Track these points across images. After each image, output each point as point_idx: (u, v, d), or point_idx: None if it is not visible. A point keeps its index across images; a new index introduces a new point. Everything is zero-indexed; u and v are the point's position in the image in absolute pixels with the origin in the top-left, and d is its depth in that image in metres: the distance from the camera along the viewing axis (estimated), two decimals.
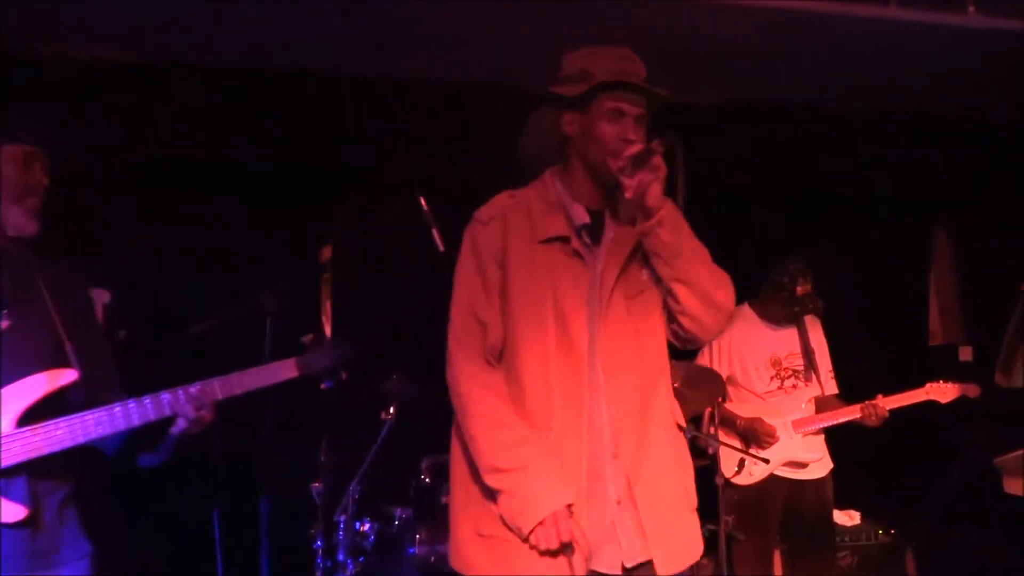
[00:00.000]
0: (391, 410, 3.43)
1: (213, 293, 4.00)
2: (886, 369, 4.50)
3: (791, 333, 3.89)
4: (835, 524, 4.01)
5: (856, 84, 4.35)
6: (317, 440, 3.45)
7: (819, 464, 3.83)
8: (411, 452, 3.58)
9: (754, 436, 3.78)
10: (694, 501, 2.15)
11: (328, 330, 3.62)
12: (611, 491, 2.02)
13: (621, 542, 2.01)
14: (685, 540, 2.09)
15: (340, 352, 2.47)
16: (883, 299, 5.12)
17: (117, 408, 2.15)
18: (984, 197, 4.88)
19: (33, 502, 2.11)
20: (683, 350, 2.18)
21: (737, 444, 3.79)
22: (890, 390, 3.81)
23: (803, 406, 3.83)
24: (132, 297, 3.61)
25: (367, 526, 3.45)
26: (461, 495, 2.07)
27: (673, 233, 2.01)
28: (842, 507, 4.12)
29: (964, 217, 5.06)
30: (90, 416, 2.13)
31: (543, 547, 1.93)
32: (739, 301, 3.91)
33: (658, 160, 1.97)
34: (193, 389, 2.20)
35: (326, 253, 3.59)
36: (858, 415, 3.75)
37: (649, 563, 2.02)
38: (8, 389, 2.11)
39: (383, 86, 4.09)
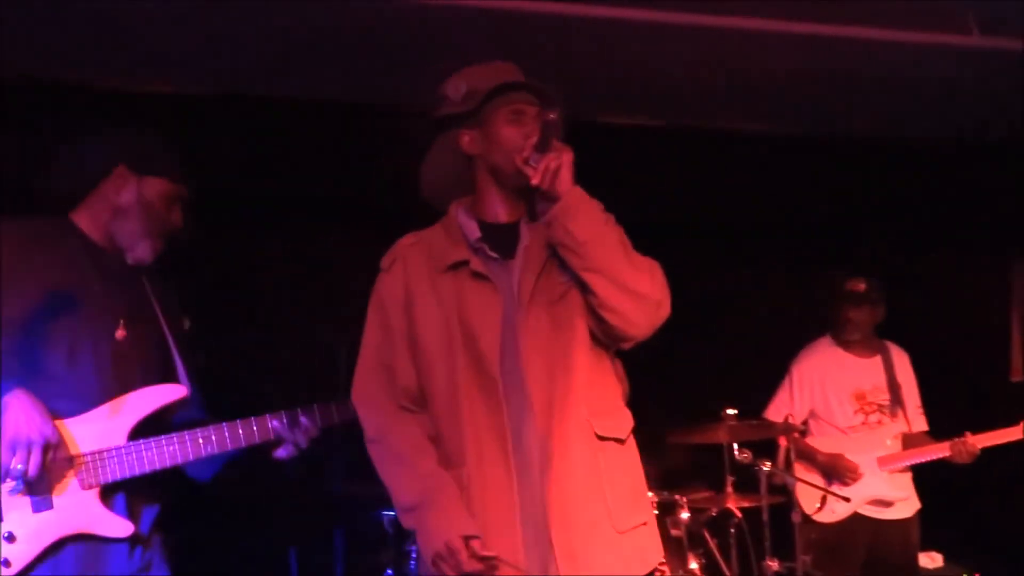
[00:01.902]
0: None
1: (277, 323, 4.06)
2: (968, 405, 4.37)
3: (876, 365, 3.79)
4: (919, 567, 3.87)
5: (940, 114, 4.27)
6: None
7: (905, 504, 3.71)
8: None
9: (836, 472, 3.67)
10: (627, 521, 1.95)
11: None
12: (542, 520, 1.90)
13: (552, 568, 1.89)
14: (600, 563, 1.89)
15: None
16: (962, 333, 4.98)
17: (225, 428, 2.15)
18: None
19: (133, 519, 2.10)
20: (619, 350, 2.03)
21: (818, 480, 3.69)
22: (974, 427, 3.67)
23: (888, 442, 3.71)
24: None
25: None
26: None
27: (579, 219, 1.90)
28: (925, 548, 3.97)
29: None
30: (200, 434, 2.13)
31: None
32: (819, 334, 3.91)
33: (559, 144, 1.91)
34: (309, 414, 2.22)
35: None
36: (947, 453, 3.62)
37: None
38: (120, 401, 2.10)
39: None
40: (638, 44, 3.56)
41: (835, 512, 3.65)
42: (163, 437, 2.12)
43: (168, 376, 2.21)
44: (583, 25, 3.41)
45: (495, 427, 1.91)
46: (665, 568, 3.20)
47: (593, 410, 1.96)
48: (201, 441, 2.12)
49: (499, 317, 1.94)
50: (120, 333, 2.12)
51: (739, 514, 3.45)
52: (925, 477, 3.79)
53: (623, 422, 2.03)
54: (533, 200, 2.01)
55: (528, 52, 2.05)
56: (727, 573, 3.43)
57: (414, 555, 3.36)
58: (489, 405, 1.92)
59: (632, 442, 2.05)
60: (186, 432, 2.13)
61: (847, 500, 3.60)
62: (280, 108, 3.98)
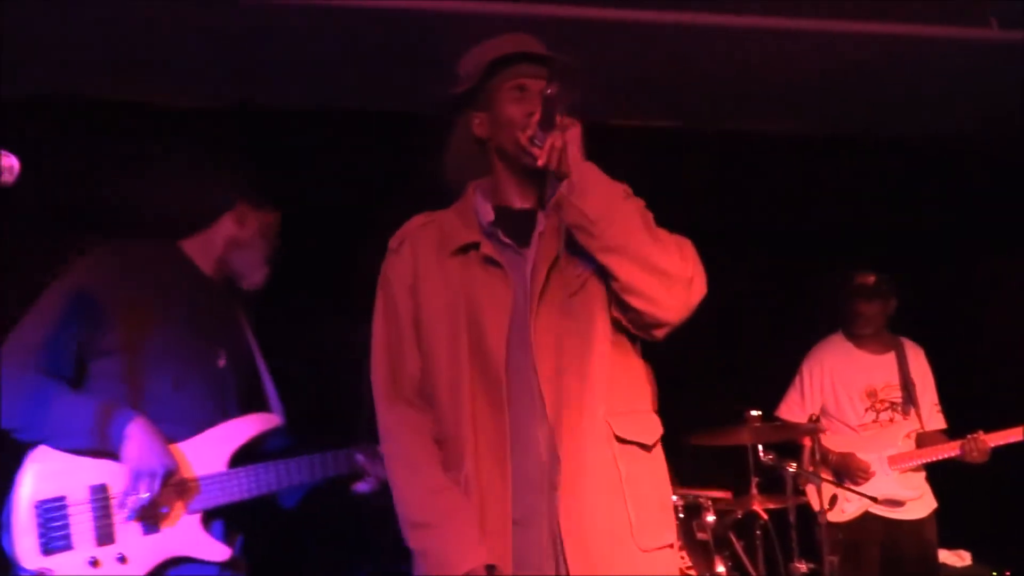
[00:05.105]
0: None
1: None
2: (984, 403, 4.34)
3: (889, 362, 3.76)
4: (941, 566, 3.82)
5: (956, 110, 4.23)
6: None
7: (919, 503, 3.67)
8: None
9: (847, 472, 3.65)
10: (653, 540, 1.78)
11: None
12: (546, 530, 1.74)
13: None
14: None
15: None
16: (979, 329, 4.96)
17: (316, 459, 2.25)
18: None
19: (229, 544, 2.19)
20: (649, 340, 1.85)
21: (831, 480, 3.65)
22: (989, 425, 3.62)
23: (900, 441, 3.68)
24: None
25: None
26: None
27: (590, 197, 1.74)
28: (951, 547, 3.92)
29: None
30: (291, 463, 2.23)
31: None
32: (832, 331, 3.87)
33: (563, 119, 1.76)
34: None
35: None
36: (957, 452, 3.58)
37: None
38: (221, 428, 2.19)
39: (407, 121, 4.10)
40: (645, 45, 3.57)
41: (844, 511, 3.63)
42: (259, 465, 2.20)
43: (258, 403, 2.32)
44: (595, 28, 3.43)
45: (496, 430, 1.75)
46: (692, 571, 3.21)
47: (612, 410, 1.79)
48: (291, 470, 2.22)
49: (508, 311, 1.80)
50: (222, 362, 2.24)
51: (765, 516, 3.44)
52: (951, 475, 3.74)
53: (649, 426, 1.86)
54: (545, 183, 1.87)
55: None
56: (754, 575, 3.43)
57: None
58: (492, 406, 1.76)
59: (660, 451, 1.87)
60: (279, 461, 2.22)
61: (875, 500, 3.54)
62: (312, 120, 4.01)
